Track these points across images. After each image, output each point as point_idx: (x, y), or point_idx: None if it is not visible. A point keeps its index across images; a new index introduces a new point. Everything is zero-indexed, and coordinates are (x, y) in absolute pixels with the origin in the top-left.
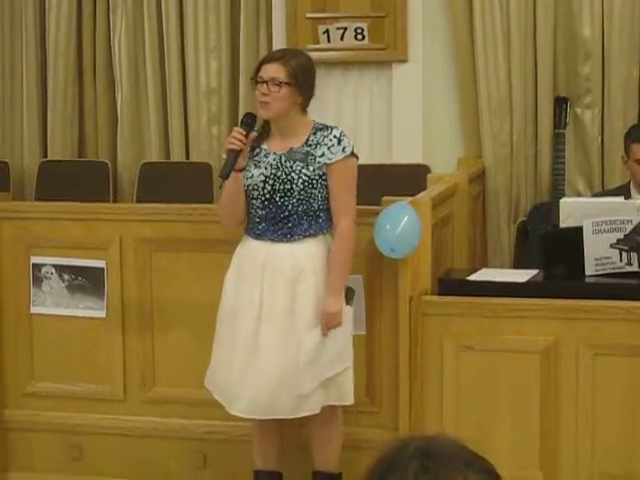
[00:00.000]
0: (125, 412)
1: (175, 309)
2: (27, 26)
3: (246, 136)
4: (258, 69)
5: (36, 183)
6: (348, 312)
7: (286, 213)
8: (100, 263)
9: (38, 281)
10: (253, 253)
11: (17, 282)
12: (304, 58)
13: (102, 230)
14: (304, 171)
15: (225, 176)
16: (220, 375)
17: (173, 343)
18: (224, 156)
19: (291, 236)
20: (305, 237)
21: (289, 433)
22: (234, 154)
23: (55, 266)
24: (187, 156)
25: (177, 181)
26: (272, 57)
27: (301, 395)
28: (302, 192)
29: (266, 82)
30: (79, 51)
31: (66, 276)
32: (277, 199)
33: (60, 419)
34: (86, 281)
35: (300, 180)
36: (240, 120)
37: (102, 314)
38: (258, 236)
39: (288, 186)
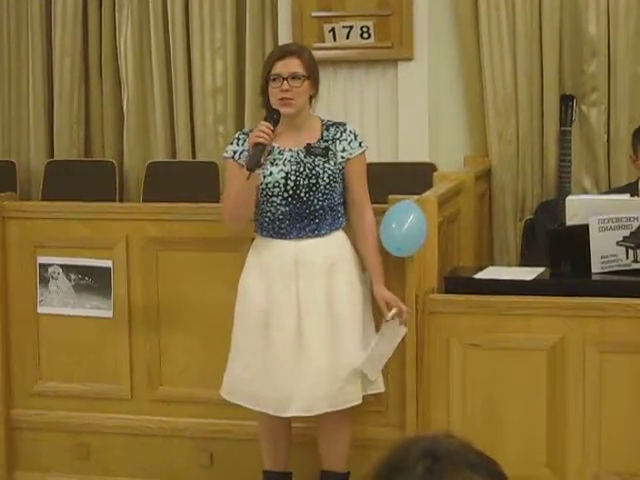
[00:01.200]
0: (132, 411)
1: (182, 308)
2: (33, 26)
3: (272, 131)
4: (271, 66)
5: (42, 183)
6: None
7: (312, 208)
8: (107, 263)
9: (45, 281)
10: (280, 253)
11: (24, 282)
12: (309, 50)
13: (109, 230)
14: (327, 165)
15: (253, 169)
16: (257, 384)
17: (180, 342)
18: (226, 154)
19: (319, 231)
20: (332, 231)
21: (297, 432)
22: (261, 148)
23: (62, 266)
24: (193, 155)
25: (183, 180)
26: (287, 51)
27: (348, 385)
28: (327, 186)
29: (286, 78)
30: (85, 51)
31: (73, 276)
32: (302, 195)
33: (67, 418)
34: (93, 281)
35: (326, 174)
36: (266, 115)
37: (109, 314)
38: (283, 235)
39: (314, 181)
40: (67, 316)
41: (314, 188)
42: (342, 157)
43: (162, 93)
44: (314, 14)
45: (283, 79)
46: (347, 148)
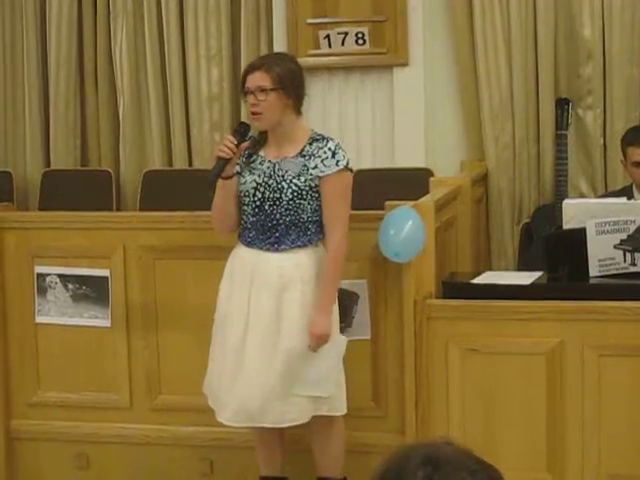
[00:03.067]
0: (131, 420)
1: (180, 317)
2: (28, 35)
3: (237, 145)
4: (244, 81)
5: (39, 193)
6: (341, 342)
7: (274, 222)
8: (104, 272)
9: (43, 291)
10: (243, 260)
11: (22, 292)
12: (287, 60)
13: (106, 239)
14: (295, 181)
15: (210, 183)
16: (214, 383)
17: (178, 350)
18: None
19: (279, 246)
20: (293, 248)
21: (293, 438)
22: (222, 162)
23: (59, 275)
24: (190, 163)
25: (180, 189)
26: (254, 66)
27: (285, 405)
28: (290, 202)
29: (253, 92)
30: (80, 60)
31: (70, 285)
32: (266, 207)
33: (67, 428)
34: (90, 290)
35: (290, 190)
36: (234, 129)
37: (107, 323)
38: (249, 244)
39: (277, 195)
40: (65, 325)
41: (277, 202)
42: (312, 174)
43: (158, 101)
44: (309, 21)
45: (251, 93)
46: (319, 165)
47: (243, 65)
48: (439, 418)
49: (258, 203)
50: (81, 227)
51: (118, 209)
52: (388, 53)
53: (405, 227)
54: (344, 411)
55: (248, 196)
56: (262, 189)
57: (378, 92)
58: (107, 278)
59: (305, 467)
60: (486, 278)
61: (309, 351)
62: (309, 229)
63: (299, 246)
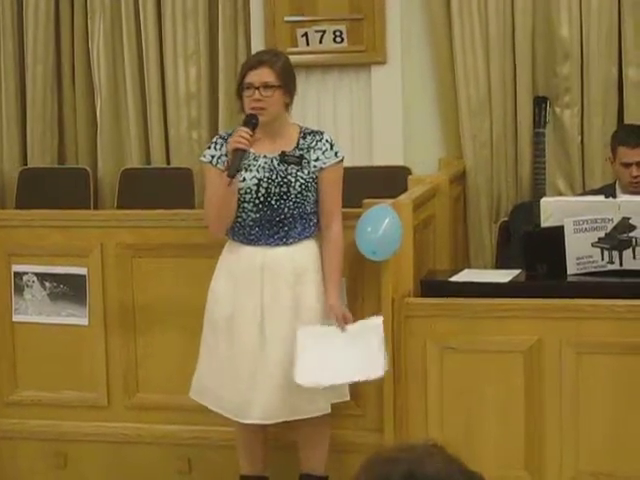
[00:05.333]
0: (109, 419)
1: (157, 315)
2: (5, 33)
3: (251, 136)
4: (243, 75)
5: (16, 191)
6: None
7: (282, 216)
8: (81, 270)
9: (20, 289)
10: (248, 259)
11: None
12: (284, 57)
13: (83, 237)
14: (300, 174)
15: (233, 174)
16: (221, 387)
17: (156, 349)
18: (204, 159)
19: (287, 239)
20: (301, 240)
21: (274, 436)
22: (241, 153)
23: (37, 274)
24: (168, 162)
25: (158, 187)
26: (259, 61)
27: (312, 394)
28: (299, 195)
29: (257, 88)
30: (57, 58)
31: (48, 284)
32: (273, 202)
33: (44, 427)
34: (68, 288)
35: (298, 183)
36: (244, 121)
37: (84, 321)
38: (252, 241)
39: (285, 189)
40: (42, 324)
41: (285, 196)
42: (315, 166)
43: (135, 100)
44: (287, 19)
45: (255, 88)
46: (321, 157)
47: (221, 63)
48: (417, 416)
49: (262, 199)
50: (58, 225)
51: (96, 207)
52: (366, 51)
53: (382, 225)
54: (348, 397)
55: (249, 193)
56: (265, 184)
57: (356, 90)
58: (85, 276)
59: (285, 465)
60: (464, 276)
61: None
62: (312, 220)
63: (306, 237)
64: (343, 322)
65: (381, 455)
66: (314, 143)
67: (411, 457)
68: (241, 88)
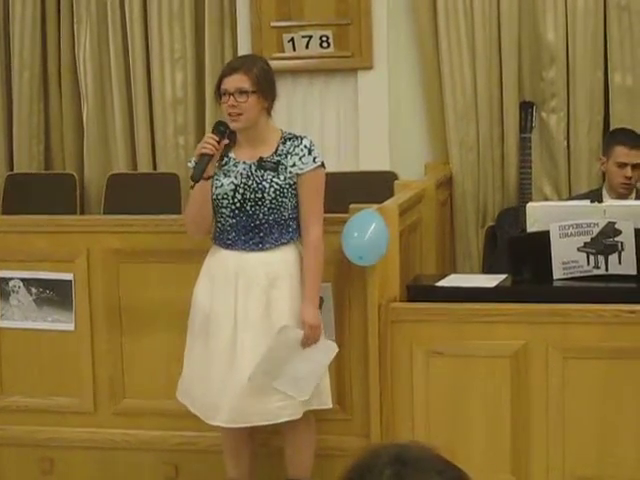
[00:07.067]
0: (95, 424)
1: (144, 321)
2: None
3: (218, 142)
4: (220, 82)
5: (2, 197)
6: (330, 349)
7: (257, 222)
8: (68, 276)
9: (6, 295)
10: (224, 263)
11: None
12: (262, 62)
13: (69, 242)
14: (275, 180)
15: (197, 180)
16: (196, 388)
17: (142, 355)
18: (190, 164)
19: (263, 245)
20: (278, 245)
21: (260, 441)
22: (207, 159)
23: (23, 280)
24: (154, 167)
25: (144, 192)
26: (233, 68)
27: (281, 400)
28: (273, 201)
29: (232, 94)
30: (44, 64)
31: (34, 289)
32: (248, 208)
33: (30, 433)
34: (54, 294)
35: (272, 189)
36: (212, 127)
37: (71, 327)
38: (229, 246)
39: (259, 195)
40: (29, 330)
41: (260, 202)
42: (292, 172)
43: (122, 105)
44: (273, 24)
45: (230, 94)
46: (297, 163)
47: (208, 69)
48: (404, 421)
49: (238, 205)
50: (45, 231)
51: (82, 213)
52: (352, 56)
53: (368, 230)
54: (330, 404)
55: (226, 198)
56: (242, 190)
57: (342, 95)
58: (71, 282)
59: (271, 470)
60: (451, 281)
61: (297, 349)
62: (290, 226)
63: (283, 243)
64: (312, 334)
65: (371, 445)
66: (292, 149)
67: (399, 445)
68: (219, 95)
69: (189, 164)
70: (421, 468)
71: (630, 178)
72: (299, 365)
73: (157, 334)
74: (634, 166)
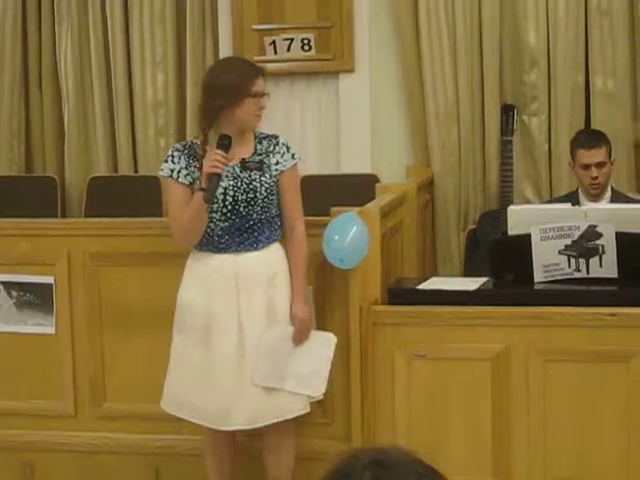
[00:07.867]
0: (76, 428)
1: (125, 324)
2: None
3: (225, 158)
4: (252, 83)
5: None
6: (330, 341)
7: (251, 222)
8: (48, 279)
9: None
10: (220, 267)
11: None
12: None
13: (50, 245)
14: (264, 179)
15: (211, 200)
16: (195, 398)
17: (123, 358)
18: (162, 172)
19: (257, 245)
20: (269, 243)
21: (241, 445)
22: (217, 178)
23: (3, 283)
24: (135, 170)
25: (125, 195)
26: (263, 71)
27: (289, 395)
28: (265, 200)
29: (263, 95)
30: (24, 65)
31: (14, 293)
32: (241, 209)
33: (11, 437)
34: (34, 297)
35: (263, 188)
36: (217, 143)
37: (51, 330)
38: (222, 250)
39: (252, 195)
40: (9, 333)
41: (252, 202)
42: (276, 170)
43: (103, 108)
44: (254, 27)
45: (261, 96)
46: (280, 161)
47: (189, 71)
48: (385, 424)
49: (230, 207)
50: (25, 234)
51: (63, 216)
52: (334, 59)
53: (349, 233)
54: (321, 395)
55: (216, 202)
56: (232, 192)
57: (324, 98)
58: (51, 285)
59: (252, 474)
60: (432, 284)
61: (291, 345)
62: (277, 223)
63: (273, 240)
64: (303, 328)
65: (350, 448)
66: (271, 147)
67: (378, 448)
68: (245, 96)
69: (161, 173)
70: (400, 472)
71: (597, 178)
72: (301, 362)
73: (138, 337)
74: (598, 165)
